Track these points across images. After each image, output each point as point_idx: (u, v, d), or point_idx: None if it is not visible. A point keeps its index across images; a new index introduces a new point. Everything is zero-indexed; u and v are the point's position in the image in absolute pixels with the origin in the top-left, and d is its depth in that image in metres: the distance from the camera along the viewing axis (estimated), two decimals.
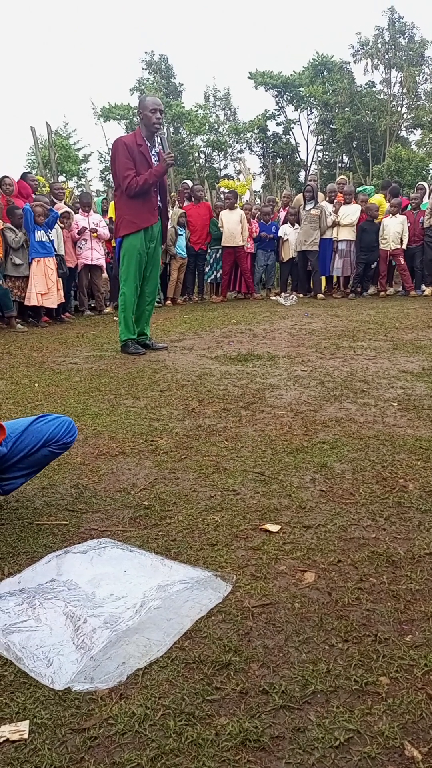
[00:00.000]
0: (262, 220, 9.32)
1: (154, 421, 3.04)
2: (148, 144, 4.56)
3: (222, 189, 13.15)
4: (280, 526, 1.83)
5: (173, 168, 26.99)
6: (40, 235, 6.35)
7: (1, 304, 6.25)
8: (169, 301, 8.69)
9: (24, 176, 7.44)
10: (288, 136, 36.12)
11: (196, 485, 2.19)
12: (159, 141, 4.70)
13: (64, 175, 26.13)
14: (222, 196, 10.21)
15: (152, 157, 4.58)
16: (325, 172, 30.76)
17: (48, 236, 6.45)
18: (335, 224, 8.93)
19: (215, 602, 1.40)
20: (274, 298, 9.10)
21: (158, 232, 4.78)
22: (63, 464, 2.42)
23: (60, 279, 6.74)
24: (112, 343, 5.28)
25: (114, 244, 6.66)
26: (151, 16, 59.07)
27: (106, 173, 32.62)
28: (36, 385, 3.82)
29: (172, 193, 8.97)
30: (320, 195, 9.35)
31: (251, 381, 3.85)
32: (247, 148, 35.42)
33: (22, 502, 2.02)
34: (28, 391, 3.66)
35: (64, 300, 6.92)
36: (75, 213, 7.33)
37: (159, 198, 4.74)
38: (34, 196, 7.11)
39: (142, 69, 35.37)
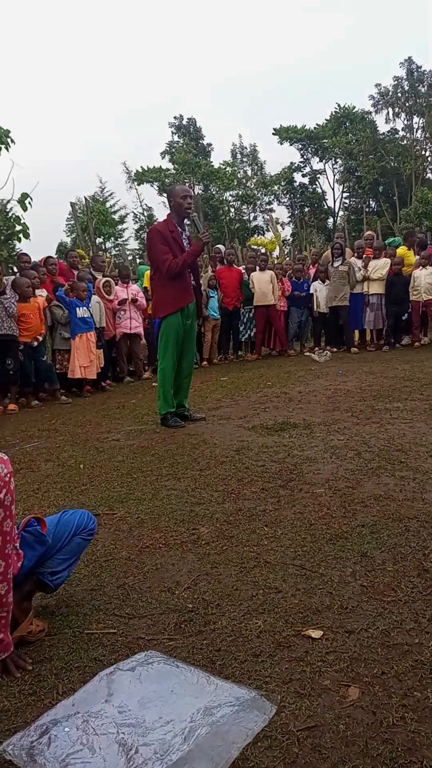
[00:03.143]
0: (294, 278, 9.53)
1: (195, 505, 3.12)
2: (180, 229, 4.82)
3: (252, 247, 13.52)
4: (322, 632, 1.86)
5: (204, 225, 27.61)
6: (81, 311, 6.68)
7: (47, 378, 6.54)
8: (205, 362, 8.89)
9: (67, 253, 7.91)
10: (314, 186, 37.00)
11: (237, 582, 2.24)
12: (192, 223, 5.00)
13: (102, 237, 27.30)
14: (253, 254, 10.51)
15: (184, 240, 4.84)
16: (352, 217, 31.23)
17: (89, 311, 6.77)
18: (365, 279, 9.06)
19: (261, 726, 1.44)
20: (308, 354, 9.19)
21: (193, 309, 4.99)
22: (110, 559, 2.51)
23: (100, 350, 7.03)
24: (152, 415, 5.43)
25: (150, 311, 6.95)
26: (179, 82, 62.37)
27: (140, 232, 33.94)
28: (81, 466, 3.97)
29: (204, 255, 9.27)
30: (348, 251, 9.53)
31: (288, 454, 3.90)
32: (275, 199, 36.39)
33: (72, 608, 2.11)
34: (74, 474, 3.80)
35: (102, 368, 7.18)
36: (115, 285, 7.69)
37: (192, 277, 4.98)
38: (76, 271, 7.52)
39: (172, 133, 37.14)
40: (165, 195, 33.34)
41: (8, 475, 1.73)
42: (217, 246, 9.60)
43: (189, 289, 4.94)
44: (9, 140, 8.30)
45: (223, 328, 9.19)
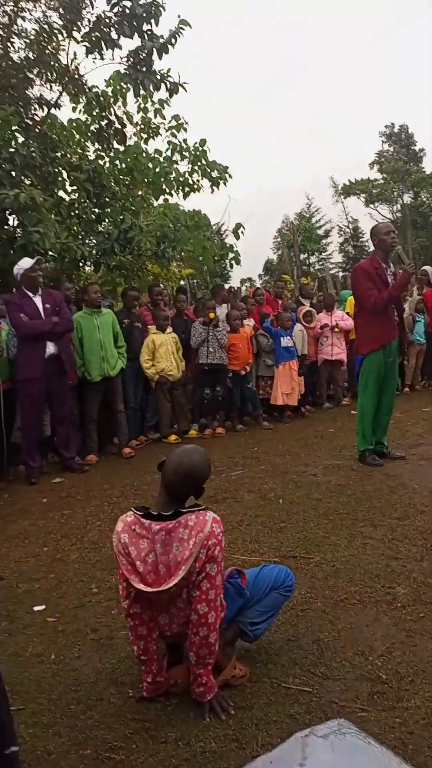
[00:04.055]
0: None
1: (392, 560, 3.10)
2: (384, 266, 4.79)
3: None
4: None
5: (411, 233, 26.59)
6: (285, 341, 6.97)
7: (252, 404, 6.97)
8: (407, 389, 8.56)
9: (275, 284, 8.33)
10: None
11: None
12: (397, 256, 4.98)
13: (306, 253, 27.84)
14: None
15: (389, 276, 4.80)
16: None
17: (292, 340, 7.03)
18: None
19: None
20: None
21: (396, 346, 4.91)
22: (306, 609, 2.65)
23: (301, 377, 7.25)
24: (350, 448, 5.44)
25: (353, 336, 6.98)
26: (392, 90, 60.47)
27: (345, 245, 33.68)
28: (281, 501, 4.19)
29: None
30: None
31: None
32: None
33: (270, 656, 2.30)
34: (274, 509, 4.03)
35: (302, 393, 7.37)
36: (318, 312, 7.85)
37: (396, 313, 4.91)
38: (281, 300, 7.86)
39: (382, 142, 36.20)
40: (372, 206, 32.79)
41: (220, 534, 1.98)
42: (424, 268, 9.17)
43: (393, 325, 4.88)
44: (227, 175, 9.03)
45: (429, 352, 8.75)
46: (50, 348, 5.16)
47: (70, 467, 5.37)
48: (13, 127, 6.40)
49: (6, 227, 6.52)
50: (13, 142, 6.39)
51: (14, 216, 6.37)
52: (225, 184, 9.06)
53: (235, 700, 2.03)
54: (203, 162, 8.74)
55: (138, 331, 6.39)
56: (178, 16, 7.18)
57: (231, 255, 9.85)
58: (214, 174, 8.77)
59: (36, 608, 2.85)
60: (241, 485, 4.64)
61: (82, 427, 5.85)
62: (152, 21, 7.13)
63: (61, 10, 6.72)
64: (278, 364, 7.00)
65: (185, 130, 8.84)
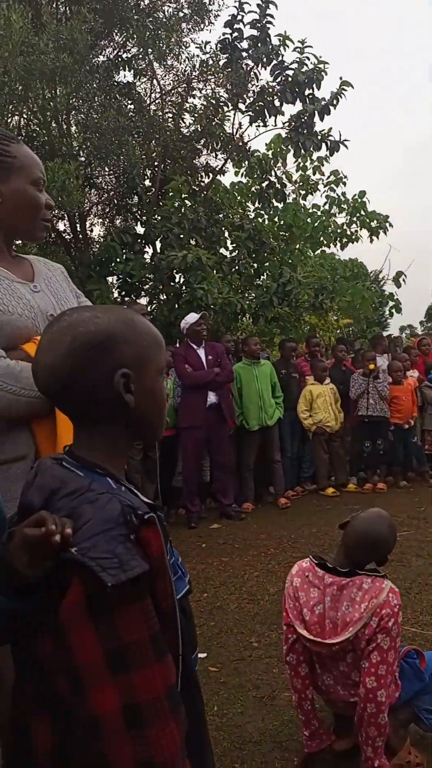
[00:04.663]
0: None
1: None
2: None
3: None
4: None
5: None
6: None
7: (418, 459, 6.55)
8: None
9: None
10: None
11: None
12: None
13: None
14: None
15: None
16: None
17: None
18: None
19: None
20: None
21: None
22: None
23: None
24: None
25: None
26: None
27: None
28: None
29: None
30: None
31: None
32: None
33: None
34: None
35: None
36: None
37: None
38: None
39: None
40: None
41: (397, 606, 1.83)
42: None
43: None
44: (387, 225, 8.90)
45: None
46: (211, 397, 5.35)
47: (228, 514, 5.43)
48: (183, 195, 6.96)
49: (173, 284, 7.03)
50: (182, 208, 6.94)
51: (180, 274, 6.86)
52: (385, 233, 8.93)
53: None
54: (362, 213, 8.72)
55: (295, 381, 6.40)
56: (340, 78, 7.38)
57: (391, 303, 9.59)
58: (374, 224, 8.69)
59: (200, 655, 2.85)
60: (407, 548, 4.30)
61: (239, 475, 5.92)
62: (314, 86, 7.41)
63: (228, 86, 7.26)
64: None
65: (344, 184, 8.92)
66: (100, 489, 0.84)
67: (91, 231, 7.54)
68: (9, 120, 5.65)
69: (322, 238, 8.90)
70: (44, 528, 0.73)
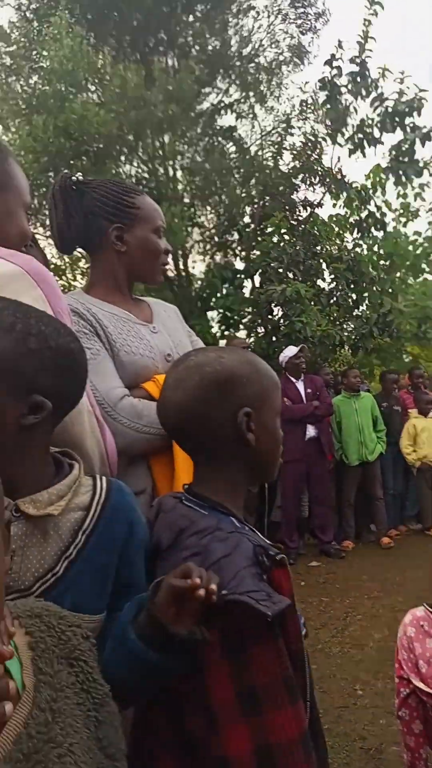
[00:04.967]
0: None
1: None
2: None
3: None
4: None
5: None
6: None
7: None
8: None
9: None
10: None
11: None
12: None
13: None
14: None
15: None
16: None
17: None
18: None
19: None
20: None
21: None
22: None
23: None
24: None
25: None
26: None
27: None
28: None
29: None
30: None
31: None
32: None
33: None
34: None
35: None
36: None
37: None
38: None
39: None
40: None
41: None
42: None
43: None
44: None
45: None
46: (311, 431, 5.29)
47: (327, 551, 5.28)
48: (282, 230, 7.05)
49: (271, 317, 7.09)
50: (281, 243, 7.02)
51: (279, 307, 6.90)
52: None
53: None
54: None
55: (398, 414, 6.17)
56: None
57: None
58: None
59: None
60: None
61: (339, 511, 5.76)
62: (414, 113, 7.31)
63: (327, 121, 7.34)
64: None
65: None
66: (228, 528, 0.85)
67: (193, 268, 7.86)
68: (122, 168, 6.06)
69: (424, 265, 8.62)
70: (190, 580, 0.72)
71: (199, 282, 7.30)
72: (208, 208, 6.92)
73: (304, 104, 7.32)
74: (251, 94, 6.87)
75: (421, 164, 7.53)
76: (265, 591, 0.75)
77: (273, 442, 0.99)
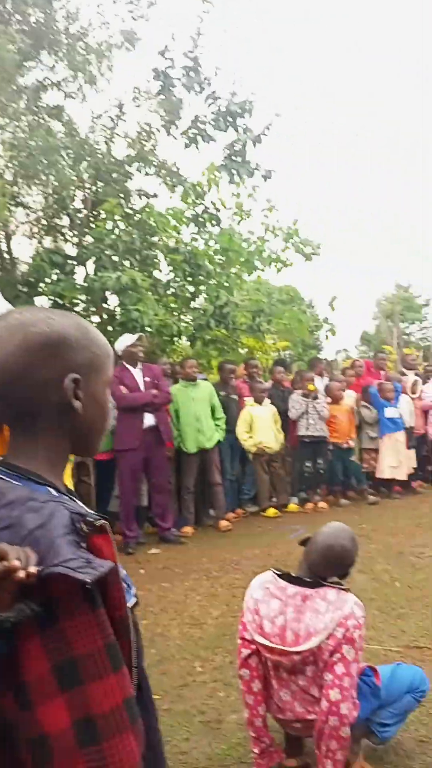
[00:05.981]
0: None
1: None
2: None
3: None
4: None
5: None
6: (390, 412, 6.61)
7: (355, 477, 6.59)
8: None
9: (376, 355, 8.16)
10: None
11: None
12: None
13: (406, 323, 27.20)
14: None
15: None
16: None
17: (398, 411, 6.65)
18: None
19: None
20: None
21: None
22: None
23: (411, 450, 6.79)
24: None
25: None
26: None
27: None
28: (397, 584, 3.78)
29: None
30: None
31: None
32: None
33: (401, 758, 2.00)
34: (390, 593, 3.64)
35: (413, 470, 6.88)
36: (424, 382, 7.47)
37: None
38: (383, 371, 7.59)
39: None
40: None
41: (362, 618, 1.78)
42: None
43: None
44: (319, 250, 9.10)
45: None
46: (149, 419, 5.19)
47: (167, 538, 5.22)
48: (116, 217, 6.87)
49: (106, 306, 6.87)
50: (116, 230, 6.84)
51: (114, 296, 6.72)
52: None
53: None
54: (296, 239, 8.93)
55: (235, 403, 6.33)
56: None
57: (326, 327, 9.79)
58: (307, 249, 8.90)
59: None
60: None
61: (179, 498, 5.74)
62: (245, 115, 7.60)
63: (161, 112, 7.33)
64: (382, 435, 6.62)
65: (277, 210, 9.13)
66: (42, 497, 0.76)
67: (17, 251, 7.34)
68: None
69: (257, 263, 9.02)
70: (7, 563, 0.64)
71: (26, 266, 6.83)
72: (34, 188, 6.49)
73: (137, 90, 7.22)
74: (81, 75, 6.59)
75: (253, 165, 7.85)
76: (84, 557, 0.69)
77: (100, 413, 0.91)
